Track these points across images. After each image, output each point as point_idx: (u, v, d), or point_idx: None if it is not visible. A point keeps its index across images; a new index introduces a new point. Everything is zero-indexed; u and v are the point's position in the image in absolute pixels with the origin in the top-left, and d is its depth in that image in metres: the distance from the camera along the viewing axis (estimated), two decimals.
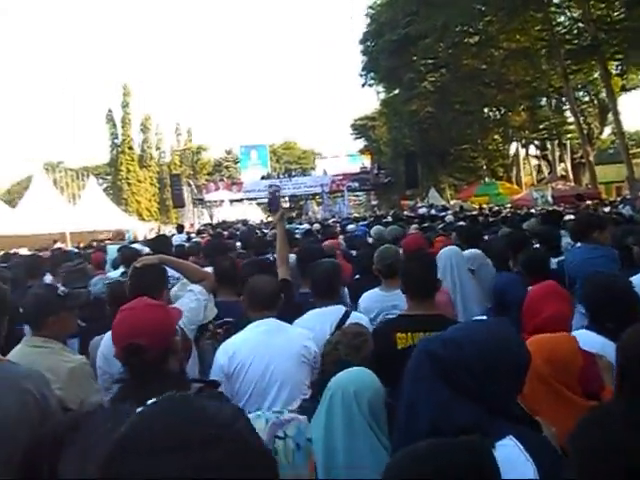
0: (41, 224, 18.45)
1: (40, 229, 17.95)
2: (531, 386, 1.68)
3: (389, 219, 14.21)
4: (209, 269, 4.17)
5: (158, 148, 61.91)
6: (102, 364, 2.81)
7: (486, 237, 6.25)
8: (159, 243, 5.60)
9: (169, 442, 0.65)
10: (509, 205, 21.56)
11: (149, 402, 0.77)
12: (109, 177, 59.34)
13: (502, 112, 33.96)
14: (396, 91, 37.15)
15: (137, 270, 2.94)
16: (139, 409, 0.76)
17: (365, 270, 4.48)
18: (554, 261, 4.36)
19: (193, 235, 14.01)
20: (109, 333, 2.18)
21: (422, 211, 21.05)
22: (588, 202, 17.81)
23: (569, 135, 32.13)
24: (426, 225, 9.99)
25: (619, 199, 21.71)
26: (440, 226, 9.93)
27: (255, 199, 38.11)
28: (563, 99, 30.84)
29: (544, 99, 33.03)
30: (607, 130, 33.94)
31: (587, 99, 33.10)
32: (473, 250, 4.79)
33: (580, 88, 31.19)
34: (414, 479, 0.99)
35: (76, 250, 11.20)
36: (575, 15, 24.74)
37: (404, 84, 32.78)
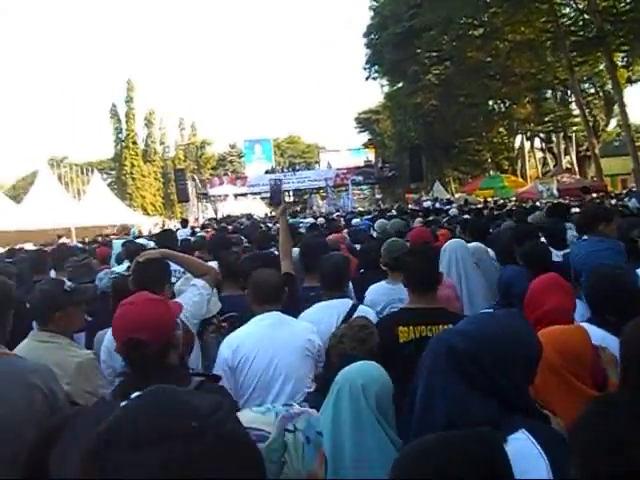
0: (46, 219, 18.49)
1: (45, 224, 17.99)
2: (542, 377, 1.68)
3: (393, 213, 14.18)
4: (213, 263, 4.19)
5: (162, 143, 61.92)
6: (106, 358, 2.82)
7: (491, 230, 6.24)
8: (164, 237, 5.63)
9: (149, 435, 0.65)
10: (514, 198, 21.48)
11: (132, 396, 0.77)
12: (113, 172, 59.35)
13: (507, 105, 33.82)
14: (400, 84, 37.01)
15: (139, 264, 2.95)
16: (122, 403, 0.76)
17: (370, 264, 4.48)
18: (559, 254, 4.34)
19: (197, 230, 14.02)
20: None
21: (427, 204, 21.03)
22: (594, 195, 17.74)
23: (574, 128, 32.00)
24: (431, 219, 9.97)
25: (625, 192, 21.60)
26: (444, 219, 9.91)
27: (259, 193, 38.11)
28: (568, 91, 30.67)
29: (549, 91, 32.85)
30: (613, 122, 33.80)
31: (593, 91, 32.93)
32: (474, 243, 4.78)
33: (586, 80, 31.03)
34: (424, 472, 0.99)
35: (80, 245, 11.22)
36: (580, 6, 24.57)
37: (408, 77, 32.68)
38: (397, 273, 3.66)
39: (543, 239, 4.65)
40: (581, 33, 24.36)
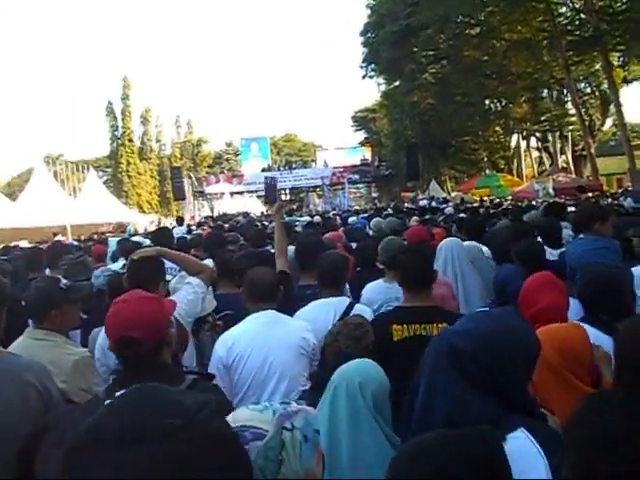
0: (41, 217, 18.44)
1: (41, 222, 17.94)
2: (541, 376, 1.69)
3: (390, 211, 14.19)
4: (209, 261, 4.18)
5: (158, 140, 61.84)
6: (100, 356, 2.82)
7: (487, 229, 6.24)
8: (160, 235, 5.62)
9: (133, 433, 0.65)
10: (510, 197, 21.52)
11: (117, 394, 0.77)
12: (109, 170, 59.27)
13: (503, 104, 33.84)
14: (397, 83, 37.01)
15: (134, 262, 2.94)
16: (107, 402, 0.76)
17: (366, 262, 4.48)
18: (555, 253, 4.35)
19: (193, 228, 14.00)
20: None
21: (423, 203, 21.04)
22: (589, 194, 17.78)
23: (570, 127, 32.02)
24: (427, 217, 9.98)
25: (620, 191, 21.67)
26: (441, 218, 9.92)
27: (256, 191, 38.09)
28: (564, 91, 30.72)
29: (545, 91, 32.91)
30: (609, 122, 33.88)
31: (589, 91, 32.99)
32: (469, 242, 4.79)
33: (582, 80, 31.08)
34: (423, 470, 0.98)
35: (75, 243, 11.20)
36: (577, 6, 24.57)
37: (405, 76, 32.67)
38: (394, 272, 3.66)
39: (539, 238, 4.66)
40: (577, 32, 24.38)
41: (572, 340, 1.97)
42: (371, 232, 7.86)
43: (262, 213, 28.44)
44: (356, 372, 1.90)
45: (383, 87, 42.04)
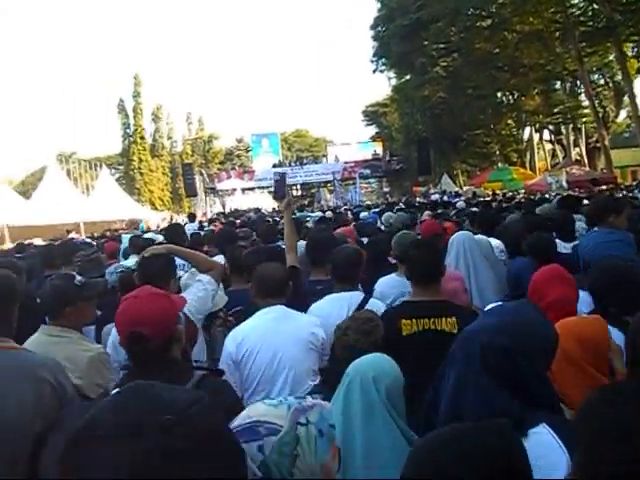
0: (55, 215, 18.62)
1: (54, 220, 18.12)
2: (560, 368, 1.68)
3: (401, 206, 14.15)
4: (220, 257, 4.20)
5: (170, 137, 62.07)
6: (112, 352, 2.84)
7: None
8: (172, 232, 5.66)
9: (122, 429, 0.65)
10: (523, 191, 21.36)
11: (113, 392, 0.77)
12: (121, 167, 59.59)
13: (515, 96, 33.59)
14: (407, 77, 36.86)
15: (145, 259, 2.97)
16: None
17: (378, 256, 4.46)
18: (568, 246, 4.32)
19: (205, 224, 14.06)
20: None
21: (435, 197, 20.96)
22: (603, 187, 17.60)
23: (584, 119, 31.74)
24: (439, 212, 9.94)
25: (635, 183, 21.42)
26: (452, 212, 9.88)
27: (267, 187, 38.07)
28: (578, 82, 30.44)
29: (558, 83, 32.61)
30: (623, 113, 33.56)
31: (602, 82, 32.65)
32: (478, 236, 4.76)
33: (595, 71, 30.77)
34: (440, 462, 0.98)
35: (88, 240, 11.29)
36: None
37: (416, 69, 32.53)
38: None
39: (552, 231, 4.62)
40: (590, 23, 24.14)
41: (594, 333, 1.95)
42: (383, 227, 7.84)
43: (274, 209, 28.46)
44: (370, 366, 1.90)
45: (394, 81, 41.93)
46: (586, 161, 30.69)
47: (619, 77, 27.56)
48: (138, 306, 1.84)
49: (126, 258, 5.80)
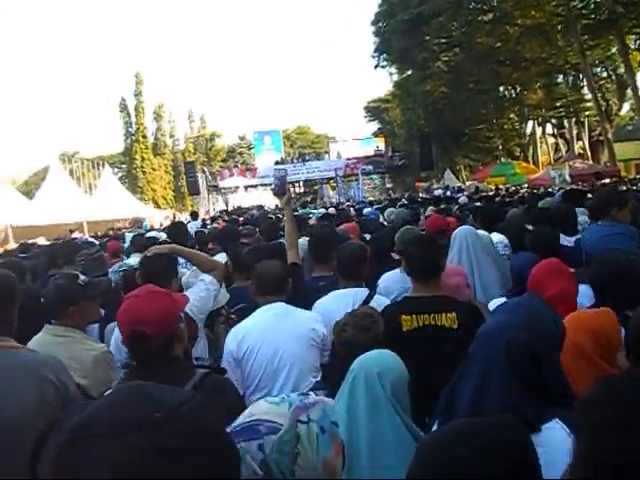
0: (58, 214, 18.66)
1: (58, 219, 18.16)
2: (571, 361, 1.69)
3: (404, 202, 14.14)
4: (223, 255, 4.20)
5: (172, 136, 62.10)
6: (115, 350, 2.85)
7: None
8: (175, 230, 5.68)
9: (114, 427, 0.65)
10: (526, 185, 21.30)
11: (106, 393, 0.78)
12: (124, 166, 59.64)
13: (518, 90, 33.45)
14: (409, 72, 36.77)
15: (147, 259, 3.00)
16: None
17: (380, 253, 4.46)
18: (571, 240, 4.30)
19: (208, 222, 14.08)
20: None
21: (437, 193, 20.93)
22: (605, 180, 17.54)
23: (587, 112, 31.58)
24: (442, 207, 9.93)
25: (639, 176, 21.34)
26: (455, 208, 9.87)
27: (269, 184, 38.02)
28: (580, 76, 30.31)
29: (561, 76, 32.46)
30: (626, 106, 33.37)
31: (605, 75, 32.50)
32: (479, 232, 4.75)
33: (598, 64, 30.63)
34: (455, 455, 0.97)
35: (90, 239, 11.31)
36: None
37: (417, 64, 32.44)
38: None
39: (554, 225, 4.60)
40: (592, 16, 24.01)
41: (605, 326, 1.96)
42: (385, 222, 7.84)
43: (276, 206, 28.47)
44: (375, 362, 1.90)
45: (395, 77, 41.85)
46: (589, 155, 30.58)
47: (622, 70, 27.43)
48: (140, 305, 1.85)
49: (129, 256, 5.82)
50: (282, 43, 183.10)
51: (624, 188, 13.89)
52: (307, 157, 41.48)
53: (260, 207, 24.28)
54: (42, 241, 11.63)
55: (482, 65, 28.39)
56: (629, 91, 26.80)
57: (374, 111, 56.55)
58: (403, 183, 42.82)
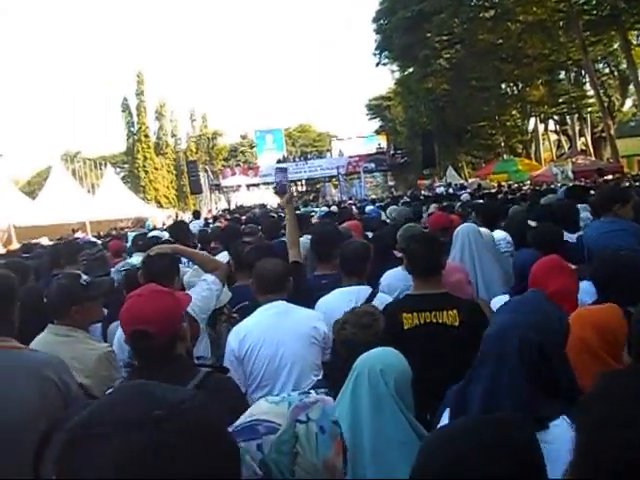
0: (61, 214, 18.66)
1: (60, 219, 18.16)
2: (577, 356, 1.69)
3: (406, 199, 14.12)
4: (225, 254, 4.21)
5: (174, 135, 62.04)
6: (117, 350, 2.86)
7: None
8: (177, 229, 5.70)
9: (115, 425, 0.66)
10: (528, 182, 21.26)
11: (107, 392, 0.78)
12: (126, 166, 59.68)
13: (520, 87, 33.37)
14: (411, 69, 36.66)
15: (150, 258, 3.02)
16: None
17: (382, 250, 4.46)
18: (573, 236, 4.30)
19: (210, 221, 14.09)
20: None
21: (440, 190, 20.90)
22: (608, 177, 17.49)
23: (589, 109, 31.50)
24: (444, 204, 9.92)
25: None
26: (457, 205, 9.85)
27: (272, 183, 37.99)
28: (582, 72, 30.18)
29: (563, 72, 32.35)
30: (628, 102, 33.24)
31: (607, 71, 32.41)
32: (481, 229, 4.74)
33: (600, 60, 30.54)
34: (460, 453, 0.97)
35: (93, 239, 11.33)
36: None
37: (419, 62, 32.34)
38: None
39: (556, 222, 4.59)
40: (594, 12, 23.92)
41: (612, 322, 1.96)
42: (388, 220, 7.84)
43: (279, 204, 28.47)
44: (378, 360, 1.90)
45: (397, 74, 41.79)
46: (592, 151, 30.49)
47: (624, 66, 27.34)
48: (142, 304, 1.85)
49: (131, 256, 5.83)
50: (283, 42, 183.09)
51: (627, 184, 13.84)
52: (309, 155, 41.52)
53: (262, 206, 24.26)
54: (45, 241, 11.64)
55: (484, 62, 28.31)
56: (631, 87, 26.68)
57: (376, 109, 56.48)
58: (405, 181, 42.78)
